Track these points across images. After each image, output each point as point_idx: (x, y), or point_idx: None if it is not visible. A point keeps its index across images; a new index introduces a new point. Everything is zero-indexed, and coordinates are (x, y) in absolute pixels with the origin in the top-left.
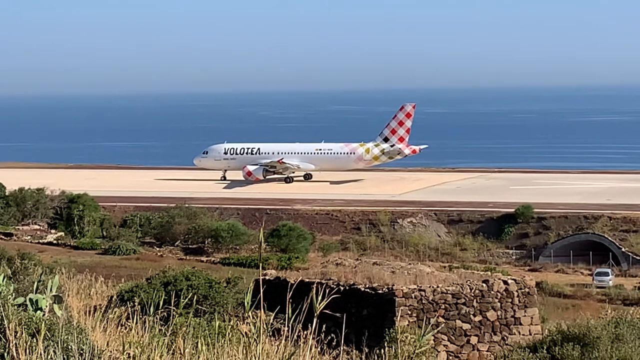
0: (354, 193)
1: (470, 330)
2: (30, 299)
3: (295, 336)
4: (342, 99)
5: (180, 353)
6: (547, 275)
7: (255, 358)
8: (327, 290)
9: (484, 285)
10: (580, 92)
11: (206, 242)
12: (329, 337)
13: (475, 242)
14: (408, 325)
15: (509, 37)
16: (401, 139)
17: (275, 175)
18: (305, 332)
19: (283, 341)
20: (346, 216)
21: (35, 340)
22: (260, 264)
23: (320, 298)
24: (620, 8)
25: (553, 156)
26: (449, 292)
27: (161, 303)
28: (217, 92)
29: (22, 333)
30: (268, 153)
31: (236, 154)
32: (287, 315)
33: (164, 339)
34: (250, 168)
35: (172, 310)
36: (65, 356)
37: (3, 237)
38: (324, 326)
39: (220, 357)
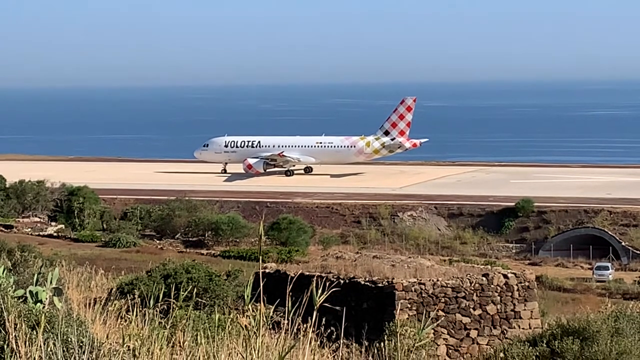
0: (354, 186)
1: (470, 324)
2: (30, 291)
3: (295, 329)
4: (343, 92)
5: (180, 346)
6: (547, 269)
7: (255, 351)
8: (327, 284)
9: (484, 279)
10: (580, 85)
11: (206, 235)
12: (329, 330)
13: (476, 235)
14: (408, 318)
15: (509, 30)
16: (402, 133)
17: (276, 169)
18: (305, 325)
19: (283, 334)
20: (346, 209)
21: (35, 333)
22: (261, 257)
23: (320, 291)
24: (620, 2)
25: (553, 150)
26: (448, 285)
27: (161, 296)
28: (218, 85)
29: (22, 325)
30: (268, 146)
31: (237, 147)
32: (287, 308)
33: (164, 332)
34: (251, 161)
35: (172, 303)
36: (65, 348)
37: (3, 229)
38: (323, 319)
39: (220, 350)
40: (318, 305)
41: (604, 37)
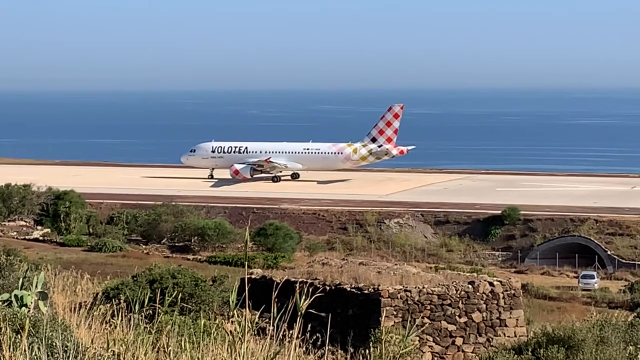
0: (341, 193)
1: (455, 332)
2: (15, 295)
3: (280, 335)
4: (331, 99)
5: (165, 351)
6: (532, 277)
7: (240, 357)
8: (312, 290)
9: (470, 286)
10: (567, 94)
11: (193, 240)
12: (315, 337)
13: (462, 243)
14: (393, 325)
15: (496, 39)
16: (389, 140)
17: (263, 175)
18: (290, 332)
19: (268, 340)
20: (333, 216)
21: (19, 337)
22: (246, 263)
23: (304, 297)
24: (608, 11)
25: (540, 158)
26: (434, 293)
27: (146, 301)
28: (205, 90)
29: (7, 329)
30: (256, 152)
31: (224, 152)
32: (272, 314)
33: (149, 337)
34: (238, 167)
35: (157, 308)
36: (49, 353)
37: None
38: (309, 326)
39: (205, 355)
40: (302, 311)
41: (592, 46)
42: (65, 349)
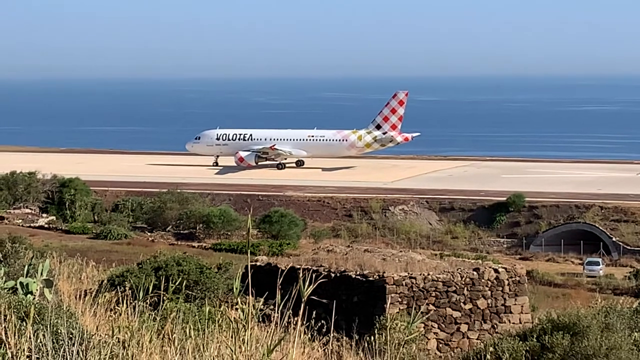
0: (345, 180)
1: (460, 318)
2: (21, 283)
3: (285, 322)
4: (335, 86)
5: (170, 338)
6: (537, 264)
7: (244, 344)
8: (315, 276)
9: (475, 273)
10: (572, 81)
11: (197, 228)
12: (320, 324)
13: (467, 230)
14: (398, 312)
15: (500, 26)
16: (394, 127)
17: (267, 162)
18: (295, 318)
19: (272, 327)
20: (338, 203)
21: (24, 324)
22: (248, 249)
23: (308, 284)
24: (610, 6)
25: (545, 145)
26: (439, 279)
27: (151, 288)
28: (210, 78)
29: (12, 317)
30: (260, 139)
31: (228, 139)
32: (276, 301)
33: (154, 324)
34: (243, 154)
35: (162, 296)
36: (54, 340)
37: None
38: (314, 313)
39: (209, 342)
40: (306, 297)
41: (595, 33)
42: (71, 336)
